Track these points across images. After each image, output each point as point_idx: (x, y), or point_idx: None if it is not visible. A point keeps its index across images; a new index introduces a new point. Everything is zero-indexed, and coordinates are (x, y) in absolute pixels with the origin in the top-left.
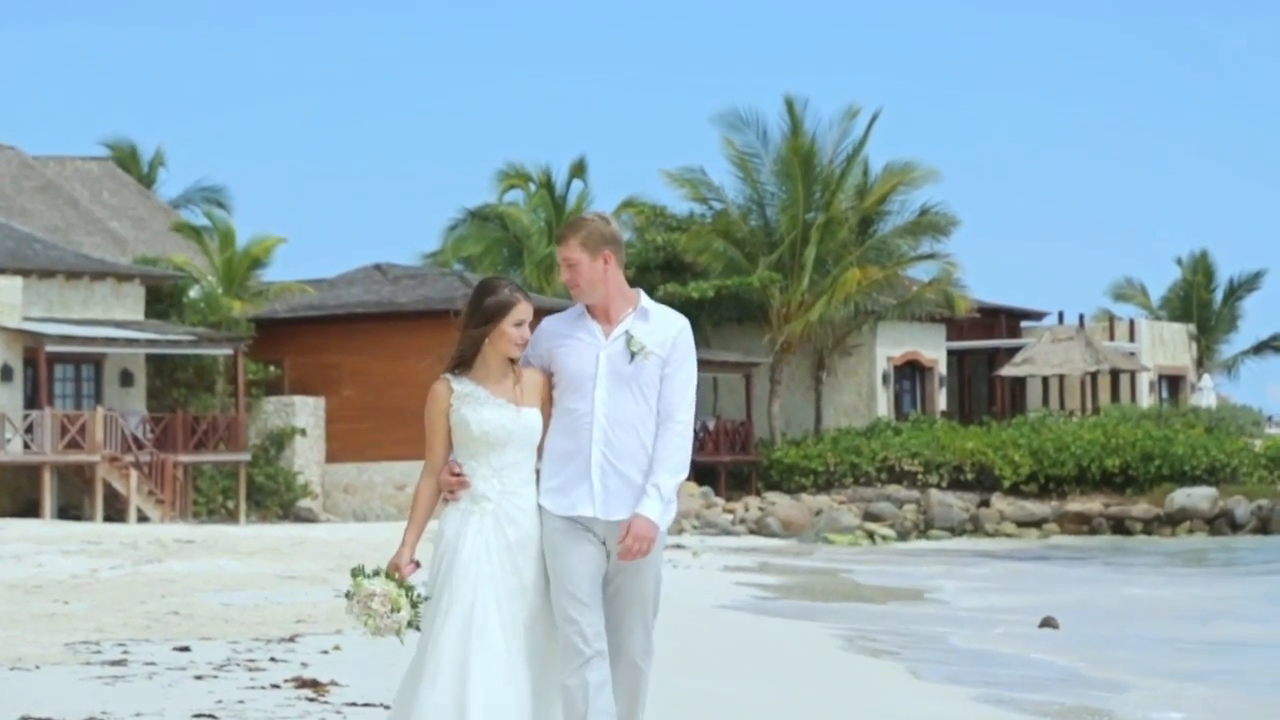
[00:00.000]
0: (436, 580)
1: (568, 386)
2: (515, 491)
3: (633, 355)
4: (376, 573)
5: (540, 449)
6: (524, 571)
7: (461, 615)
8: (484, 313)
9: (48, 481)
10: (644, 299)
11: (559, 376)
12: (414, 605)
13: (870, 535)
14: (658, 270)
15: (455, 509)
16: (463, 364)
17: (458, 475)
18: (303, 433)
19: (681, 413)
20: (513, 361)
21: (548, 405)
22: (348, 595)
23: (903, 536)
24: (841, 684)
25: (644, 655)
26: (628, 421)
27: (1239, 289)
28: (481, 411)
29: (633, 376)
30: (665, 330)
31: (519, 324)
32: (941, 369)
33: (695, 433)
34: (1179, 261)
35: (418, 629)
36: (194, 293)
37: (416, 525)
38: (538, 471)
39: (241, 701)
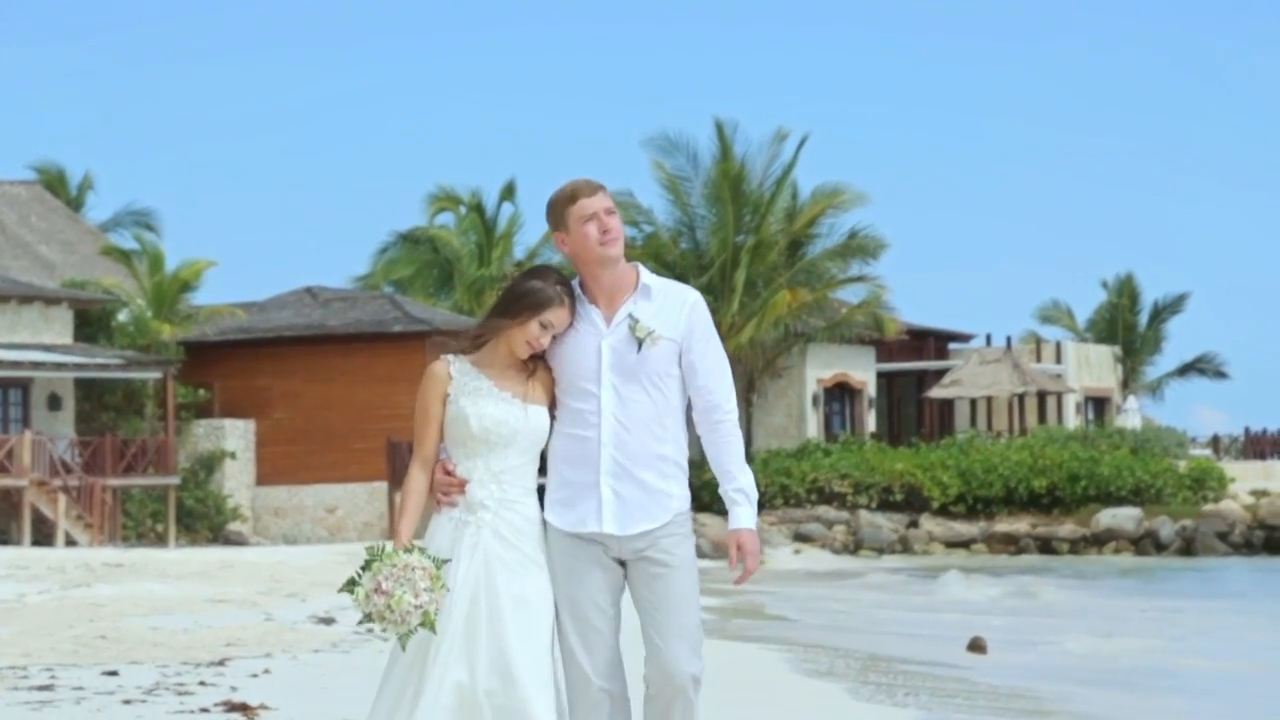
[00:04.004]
0: None
1: (569, 383)
2: (517, 500)
3: (640, 343)
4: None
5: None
6: (528, 585)
7: (455, 637)
8: (518, 297)
9: None
10: (644, 274)
11: (557, 371)
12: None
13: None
14: None
15: (447, 519)
16: (471, 347)
17: (451, 475)
18: (233, 456)
19: (727, 401)
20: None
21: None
22: (352, 584)
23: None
24: (786, 706)
25: (693, 681)
26: (640, 419)
27: (1163, 311)
28: (483, 405)
29: (639, 366)
30: (674, 308)
31: (545, 326)
32: (871, 391)
33: None
34: (1104, 284)
35: (433, 629)
36: (123, 316)
37: (409, 519)
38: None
39: None
